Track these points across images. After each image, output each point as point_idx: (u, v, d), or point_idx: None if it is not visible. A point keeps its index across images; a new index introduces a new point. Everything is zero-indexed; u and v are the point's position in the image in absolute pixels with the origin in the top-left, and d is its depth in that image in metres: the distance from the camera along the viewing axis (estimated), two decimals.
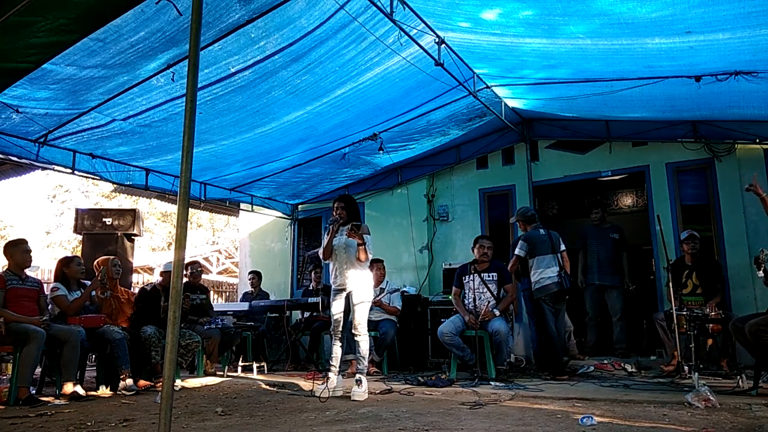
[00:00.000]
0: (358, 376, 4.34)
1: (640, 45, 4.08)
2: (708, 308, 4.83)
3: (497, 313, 5.28)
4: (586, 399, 3.98)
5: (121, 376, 4.82)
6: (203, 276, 12.87)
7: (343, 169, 7.48)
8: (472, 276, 5.54)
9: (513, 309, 5.94)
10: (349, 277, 4.43)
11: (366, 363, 4.46)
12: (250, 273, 8.09)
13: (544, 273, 5.39)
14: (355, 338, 4.43)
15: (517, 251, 5.58)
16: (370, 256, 4.46)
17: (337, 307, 4.50)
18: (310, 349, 7.17)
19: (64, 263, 5.15)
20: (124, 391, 4.71)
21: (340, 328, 4.50)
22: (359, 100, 5.30)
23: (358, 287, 4.42)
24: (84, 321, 4.84)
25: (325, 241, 4.57)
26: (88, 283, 5.22)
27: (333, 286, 4.57)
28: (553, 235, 5.58)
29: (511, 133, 6.99)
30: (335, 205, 4.59)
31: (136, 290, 7.03)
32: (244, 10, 3.64)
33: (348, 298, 4.47)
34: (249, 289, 8.03)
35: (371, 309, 6.21)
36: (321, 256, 4.64)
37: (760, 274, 4.02)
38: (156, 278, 13.01)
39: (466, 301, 5.54)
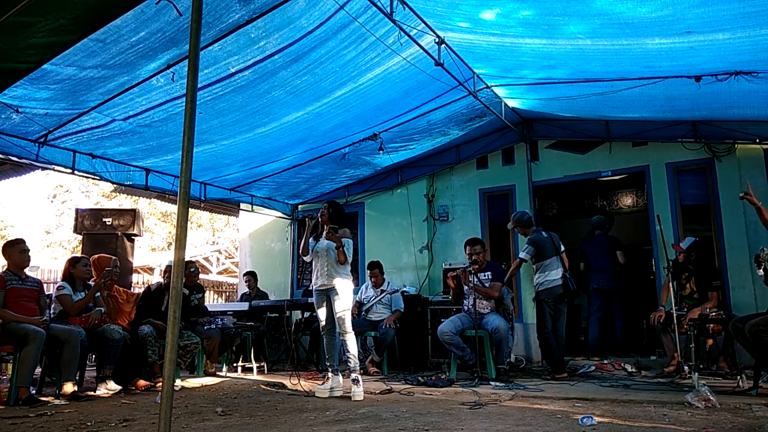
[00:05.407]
0: (353, 375, 4.38)
1: (640, 45, 4.08)
2: (692, 314, 4.95)
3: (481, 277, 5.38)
4: (586, 399, 3.98)
5: (103, 373, 4.84)
6: (203, 276, 12.89)
7: (343, 170, 7.48)
8: (471, 278, 5.54)
9: (513, 309, 5.93)
10: (330, 279, 4.58)
11: (357, 361, 4.52)
12: (245, 275, 8.04)
13: (550, 275, 5.40)
14: (342, 338, 4.55)
15: (522, 255, 5.56)
16: (350, 259, 4.62)
17: (322, 314, 4.67)
18: (310, 349, 7.17)
19: (72, 263, 5.17)
20: (106, 390, 4.69)
21: (329, 327, 4.66)
22: (359, 101, 5.30)
23: (338, 291, 4.54)
24: (84, 321, 4.84)
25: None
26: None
27: (314, 287, 4.70)
28: (553, 236, 5.59)
29: (511, 133, 6.99)
30: (323, 206, 4.79)
31: (136, 290, 7.05)
32: (244, 10, 3.64)
33: (329, 298, 4.59)
34: (246, 290, 8.00)
35: (371, 309, 6.29)
36: (300, 253, 4.83)
37: (760, 272, 4.02)
38: (156, 278, 13.02)
39: (465, 301, 5.54)
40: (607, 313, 6.56)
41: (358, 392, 4.26)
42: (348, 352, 4.49)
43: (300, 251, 4.81)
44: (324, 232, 4.63)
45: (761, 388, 3.98)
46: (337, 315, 4.52)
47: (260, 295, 7.75)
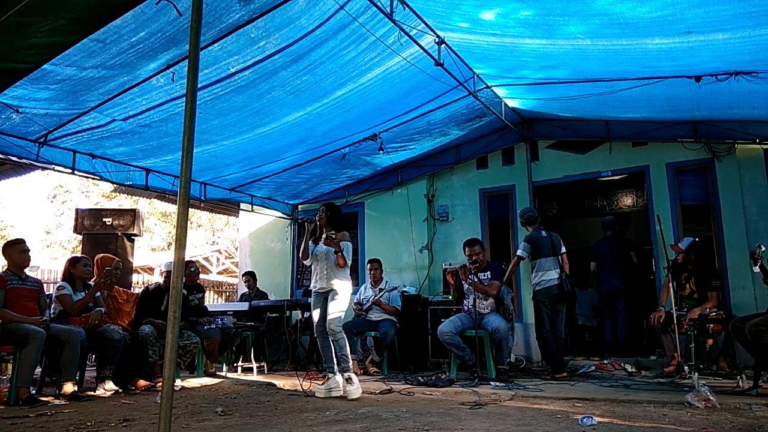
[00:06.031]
0: (346, 374, 4.39)
1: (640, 45, 4.08)
2: (692, 314, 4.96)
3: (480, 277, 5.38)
4: (586, 399, 3.98)
5: (103, 373, 4.85)
6: (203, 276, 12.89)
7: (343, 170, 7.48)
8: (471, 277, 5.54)
9: (513, 309, 5.94)
10: (329, 282, 4.59)
11: (348, 359, 4.52)
12: (244, 275, 8.02)
13: (546, 275, 5.41)
14: (331, 338, 4.53)
15: (519, 252, 5.61)
16: (349, 262, 4.63)
17: (316, 315, 4.67)
18: (310, 349, 7.16)
19: (71, 263, 5.17)
20: (103, 390, 4.70)
21: (321, 329, 4.66)
22: (359, 101, 5.30)
23: (336, 293, 4.55)
24: (84, 321, 4.84)
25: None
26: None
27: (313, 289, 4.71)
28: (554, 237, 5.59)
29: (511, 133, 6.99)
30: (319, 209, 4.78)
31: (136, 290, 7.05)
32: (244, 10, 3.64)
33: (326, 300, 4.59)
34: (246, 290, 7.98)
35: (371, 309, 6.29)
36: (300, 257, 4.85)
37: (756, 269, 4.04)
38: (156, 278, 13.02)
39: (466, 301, 5.54)
40: (613, 312, 6.61)
41: (352, 390, 4.26)
42: (339, 351, 4.49)
43: (300, 255, 4.81)
44: (322, 236, 4.62)
45: (761, 388, 3.98)
46: (330, 315, 4.50)
47: (260, 295, 7.74)
